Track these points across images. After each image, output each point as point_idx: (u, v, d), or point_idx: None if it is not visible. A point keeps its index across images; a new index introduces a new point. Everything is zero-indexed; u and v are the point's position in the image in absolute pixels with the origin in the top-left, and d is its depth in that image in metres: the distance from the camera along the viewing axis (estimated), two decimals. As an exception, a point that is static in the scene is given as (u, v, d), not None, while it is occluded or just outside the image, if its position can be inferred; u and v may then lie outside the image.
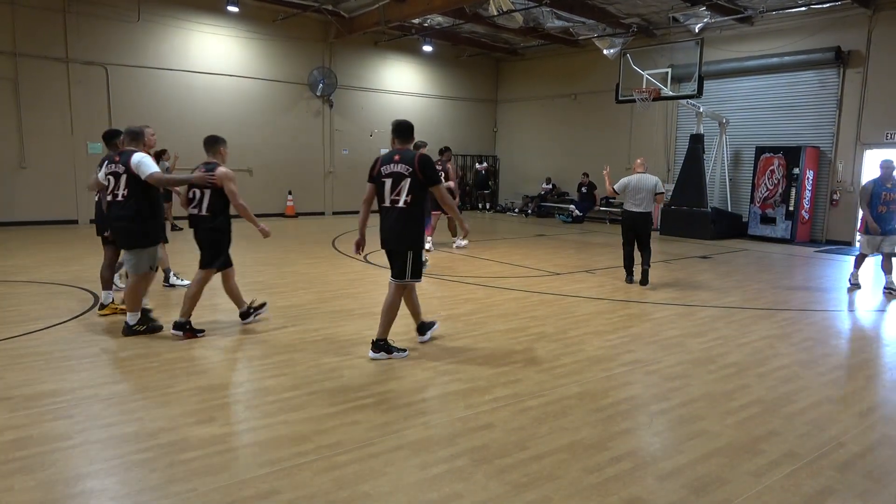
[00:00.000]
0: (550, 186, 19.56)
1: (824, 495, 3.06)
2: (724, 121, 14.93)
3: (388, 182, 5.00)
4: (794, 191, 13.55)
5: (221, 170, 5.50)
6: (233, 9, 14.67)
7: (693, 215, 14.30)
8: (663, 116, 16.73)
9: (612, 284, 8.49)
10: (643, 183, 8.28)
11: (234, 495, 2.92)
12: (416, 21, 16.34)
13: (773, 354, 5.41)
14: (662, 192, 8.41)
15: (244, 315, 6.02)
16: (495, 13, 14.75)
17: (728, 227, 14.41)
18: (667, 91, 14.06)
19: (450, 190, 9.52)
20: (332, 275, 8.75)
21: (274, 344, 5.39)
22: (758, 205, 14.17)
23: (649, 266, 8.43)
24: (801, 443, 3.64)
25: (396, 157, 5.02)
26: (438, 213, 10.51)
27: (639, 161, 8.67)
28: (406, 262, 5.06)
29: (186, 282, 7.11)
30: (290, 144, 17.04)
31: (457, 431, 3.68)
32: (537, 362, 5.03)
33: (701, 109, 14.42)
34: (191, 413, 3.84)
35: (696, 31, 14.99)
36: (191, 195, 5.57)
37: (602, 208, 17.53)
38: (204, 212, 5.54)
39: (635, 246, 8.50)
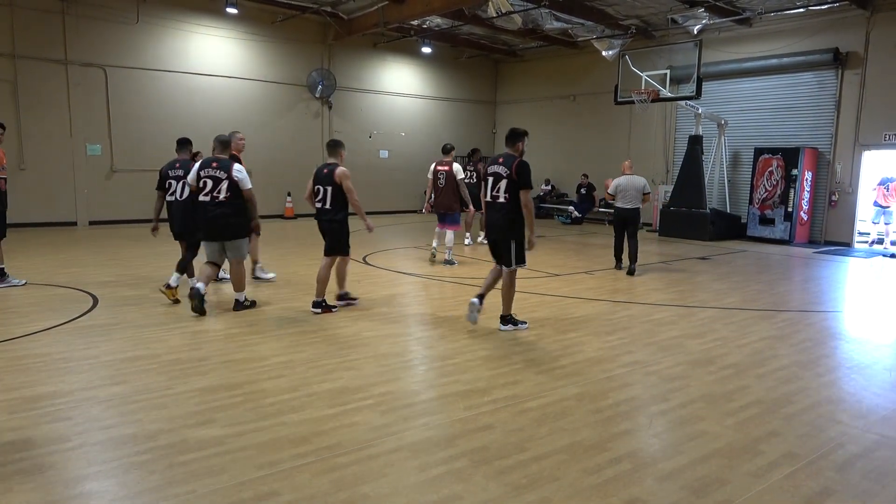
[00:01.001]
0: (549, 188, 19.57)
1: (824, 496, 3.06)
2: (723, 122, 14.95)
3: (491, 180, 5.88)
4: (792, 192, 13.55)
5: (340, 170, 6.45)
6: (232, 10, 14.67)
7: (692, 216, 14.31)
8: (662, 118, 16.74)
9: (612, 286, 8.49)
10: (632, 183, 9.36)
11: (234, 497, 2.92)
12: (414, 23, 16.36)
13: (772, 355, 5.41)
14: (649, 193, 9.49)
15: (340, 297, 6.88)
16: (494, 15, 14.77)
17: (727, 228, 14.42)
18: (665, 92, 14.07)
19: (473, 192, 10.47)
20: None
21: (272, 346, 5.38)
22: (756, 206, 14.18)
23: (637, 257, 9.37)
24: (801, 443, 3.64)
25: (500, 160, 5.85)
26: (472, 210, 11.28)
27: (626, 163, 9.66)
28: (511, 251, 5.84)
29: (271, 274, 8.28)
30: (289, 146, 17.05)
31: (456, 433, 3.68)
32: (537, 363, 5.03)
33: (700, 111, 14.44)
34: (190, 415, 3.84)
35: (695, 32, 15.01)
36: (316, 190, 6.51)
37: (601, 209, 17.54)
38: (327, 206, 6.48)
39: (625, 238, 9.52)
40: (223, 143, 6.64)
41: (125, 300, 6.92)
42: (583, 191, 18.01)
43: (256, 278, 8.20)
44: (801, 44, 13.92)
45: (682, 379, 4.74)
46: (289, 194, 16.98)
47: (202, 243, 6.64)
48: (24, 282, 7.61)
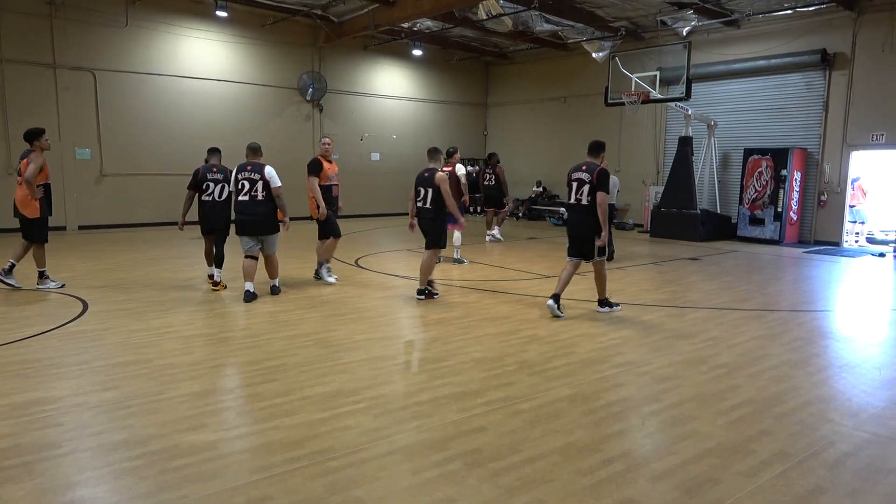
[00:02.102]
0: (541, 189, 19.61)
1: (815, 494, 3.08)
2: (713, 123, 15.03)
3: (575, 185, 6.73)
4: (782, 192, 13.65)
5: (439, 174, 7.26)
6: (221, 13, 14.62)
7: (682, 217, 14.38)
8: (652, 119, 16.82)
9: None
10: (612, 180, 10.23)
11: (226, 502, 2.90)
12: (405, 25, 16.37)
13: (763, 355, 5.44)
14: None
15: (420, 292, 7.49)
16: (484, 17, 14.81)
17: (717, 228, 14.50)
18: (655, 94, 14.14)
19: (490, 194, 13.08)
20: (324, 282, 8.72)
21: (265, 349, 5.37)
22: (746, 206, 14.26)
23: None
24: (792, 442, 3.66)
25: (583, 168, 6.69)
26: (493, 209, 13.30)
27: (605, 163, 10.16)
28: (593, 245, 6.67)
29: (333, 278, 8.54)
30: (280, 149, 16.93)
31: (449, 435, 3.68)
32: (529, 365, 5.04)
33: (689, 112, 14.52)
34: (182, 420, 3.82)
35: (684, 34, 15.10)
36: (417, 192, 7.37)
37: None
38: (427, 205, 7.31)
39: None
40: (254, 150, 7.64)
41: (115, 305, 6.89)
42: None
43: (319, 278, 8.55)
44: (789, 45, 14.03)
45: (674, 379, 4.76)
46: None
47: (240, 238, 7.39)
48: (62, 284, 7.90)
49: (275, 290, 7.66)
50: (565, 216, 17.38)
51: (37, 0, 13.17)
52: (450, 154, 10.23)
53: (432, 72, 20.11)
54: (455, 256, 10.13)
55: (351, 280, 8.73)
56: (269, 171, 7.41)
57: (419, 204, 7.40)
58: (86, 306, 6.76)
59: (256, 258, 7.44)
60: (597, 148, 6.82)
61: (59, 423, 3.74)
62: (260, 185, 7.31)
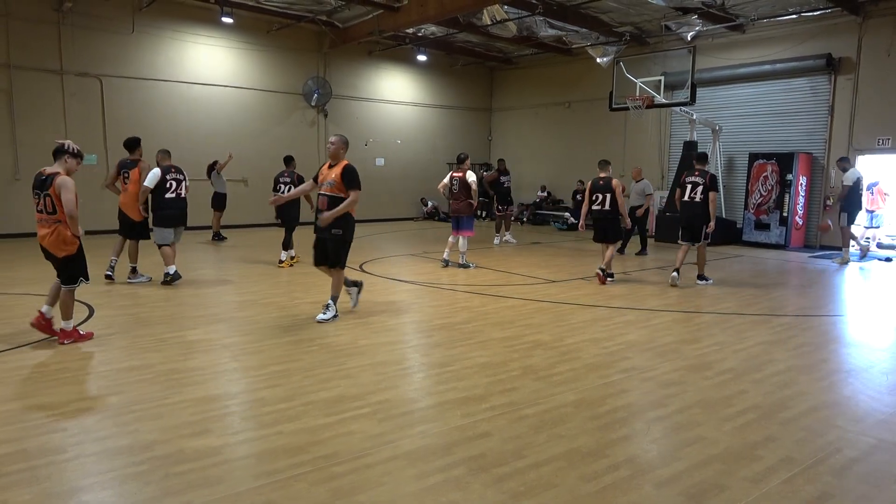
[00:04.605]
0: (545, 194, 19.61)
1: (822, 500, 3.06)
2: (718, 128, 15.01)
3: (689, 187, 8.97)
4: (787, 197, 13.60)
5: (615, 181, 9.01)
6: (227, 20, 14.69)
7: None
8: (657, 124, 16.81)
9: (608, 291, 8.50)
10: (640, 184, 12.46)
11: (230, 507, 2.90)
12: (409, 31, 16.42)
13: (768, 360, 5.42)
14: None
15: (607, 274, 9.11)
16: (489, 22, 14.85)
17: (722, 233, 14.40)
18: (660, 98, 14.14)
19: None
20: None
21: (269, 354, 5.37)
22: (752, 211, 14.22)
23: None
24: (799, 448, 3.64)
25: (696, 173, 9.03)
26: (504, 211, 13.95)
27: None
28: (703, 232, 8.86)
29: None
30: (285, 154, 17.01)
31: (453, 440, 3.66)
32: (534, 370, 5.02)
33: (694, 116, 14.49)
34: (185, 425, 3.82)
35: (689, 39, 15.10)
36: (595, 197, 9.07)
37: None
38: (606, 207, 9.01)
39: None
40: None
41: (121, 310, 6.91)
42: (579, 197, 18.01)
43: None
44: (794, 49, 14.00)
45: (680, 384, 4.74)
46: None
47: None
48: (149, 277, 8.58)
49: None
50: (570, 221, 17.59)
51: (44, 7, 13.27)
52: (461, 160, 10.31)
53: (437, 77, 20.16)
54: (461, 261, 10.15)
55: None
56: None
57: (597, 206, 9.08)
58: (91, 311, 6.78)
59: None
60: (705, 158, 9.42)
61: (64, 429, 3.74)
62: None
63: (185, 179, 8.61)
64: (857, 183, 11.45)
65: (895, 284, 9.81)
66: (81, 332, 5.67)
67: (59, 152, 5.53)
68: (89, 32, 13.85)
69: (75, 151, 5.57)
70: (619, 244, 9.44)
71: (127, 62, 14.42)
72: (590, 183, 9.30)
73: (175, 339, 5.80)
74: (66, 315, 5.52)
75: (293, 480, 3.16)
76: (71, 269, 5.47)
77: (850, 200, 11.44)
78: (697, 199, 8.85)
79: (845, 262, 11.61)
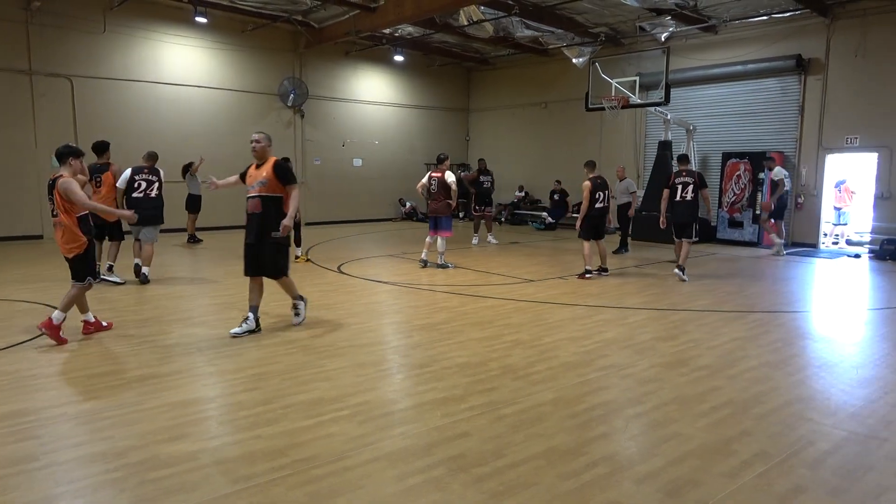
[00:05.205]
0: (523, 194, 19.69)
1: (796, 493, 3.11)
2: (692, 127, 15.21)
3: (680, 186, 9.39)
4: (759, 195, 13.83)
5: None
6: (200, 19, 14.52)
7: (664, 221, 14.48)
8: (632, 123, 16.98)
9: (586, 290, 8.57)
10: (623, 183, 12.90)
11: (208, 513, 2.87)
12: (386, 31, 16.37)
13: (742, 356, 5.50)
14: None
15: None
16: (465, 23, 14.86)
17: (697, 231, 14.62)
18: (635, 99, 14.27)
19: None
20: (304, 286, 8.66)
21: (247, 357, 5.31)
22: (726, 209, 14.44)
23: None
24: (773, 442, 3.70)
25: (684, 174, 9.49)
26: (482, 212, 13.99)
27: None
28: (693, 228, 9.43)
29: None
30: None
31: (433, 441, 3.67)
32: (513, 370, 5.04)
33: (668, 116, 14.67)
34: (161, 430, 3.76)
35: (663, 39, 15.27)
36: (597, 195, 9.34)
37: (574, 215, 17.66)
38: (606, 204, 9.56)
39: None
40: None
41: (94, 315, 6.77)
42: (556, 196, 18.13)
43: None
44: (765, 50, 14.24)
45: (656, 381, 4.79)
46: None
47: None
48: (124, 280, 8.51)
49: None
50: (547, 220, 17.68)
51: (13, 5, 12.98)
52: (441, 160, 10.29)
53: (414, 77, 20.13)
54: (440, 262, 10.15)
55: (333, 287, 8.69)
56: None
57: (599, 205, 9.42)
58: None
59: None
60: (688, 159, 9.97)
61: (36, 436, 3.67)
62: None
63: (158, 180, 8.73)
64: (783, 181, 12.51)
65: (863, 280, 10.04)
66: (104, 323, 6.08)
67: (61, 155, 5.73)
68: (59, 32, 13.58)
69: (76, 151, 5.84)
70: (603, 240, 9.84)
71: (98, 62, 14.17)
72: (590, 183, 9.43)
73: (150, 343, 5.72)
74: (82, 309, 5.88)
75: (271, 484, 3.13)
76: (80, 268, 5.68)
77: (779, 196, 12.58)
78: (689, 198, 9.32)
79: (780, 254, 12.45)
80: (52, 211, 5.63)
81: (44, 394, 4.38)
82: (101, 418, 3.95)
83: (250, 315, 6.05)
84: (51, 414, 4.01)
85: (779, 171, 12.54)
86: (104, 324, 6.08)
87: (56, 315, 5.55)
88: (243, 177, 6.25)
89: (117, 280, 8.48)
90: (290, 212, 5.95)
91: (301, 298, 6.49)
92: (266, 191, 5.93)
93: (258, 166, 6.08)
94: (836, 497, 3.09)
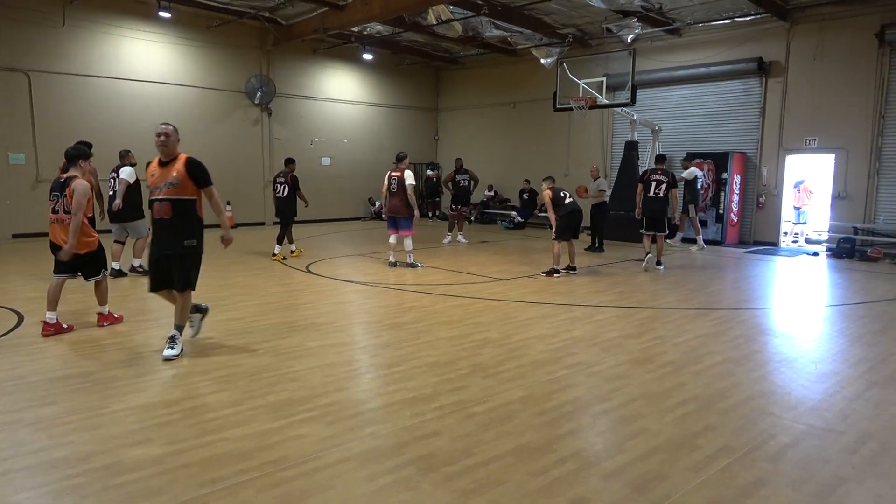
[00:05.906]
0: (492, 193, 19.78)
1: (758, 486, 3.20)
2: (657, 128, 15.45)
3: (654, 183, 10.08)
4: (723, 195, 14.14)
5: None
6: (164, 14, 14.24)
7: (630, 220, 14.66)
8: (599, 124, 17.19)
9: (554, 289, 8.65)
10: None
11: (174, 518, 2.82)
12: (355, 29, 16.29)
13: (706, 352, 5.62)
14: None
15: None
16: (434, 22, 14.87)
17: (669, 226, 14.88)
18: (602, 99, 14.44)
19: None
20: (273, 286, 8.58)
21: (213, 359, 5.23)
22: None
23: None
24: (736, 437, 3.79)
25: (659, 172, 10.17)
26: (458, 211, 13.92)
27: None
28: (665, 223, 10.19)
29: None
30: (227, 153, 16.63)
31: (403, 441, 3.66)
32: (482, 368, 5.07)
33: (635, 117, 14.89)
34: (126, 434, 3.69)
35: (629, 41, 15.49)
36: (563, 195, 9.64)
37: (542, 213, 17.80)
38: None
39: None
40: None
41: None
42: (525, 196, 18.25)
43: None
44: (728, 53, 14.57)
45: (623, 378, 4.87)
46: (228, 203, 16.55)
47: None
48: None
49: None
50: (516, 220, 17.79)
51: (-35, -2, 12.57)
52: (399, 159, 10.23)
53: (383, 76, 20.06)
54: (408, 261, 10.14)
55: (301, 287, 8.62)
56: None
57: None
58: (21, 318, 6.46)
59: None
60: (665, 159, 10.72)
61: (-7, 442, 3.56)
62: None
63: (117, 177, 9.08)
64: (696, 180, 13.61)
65: (821, 278, 10.34)
66: (115, 315, 6.34)
67: (72, 157, 5.93)
68: (16, 25, 13.17)
69: (85, 153, 6.08)
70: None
71: (57, 57, 13.79)
72: (550, 191, 9.71)
73: (114, 345, 5.59)
74: (102, 301, 6.22)
75: (240, 487, 3.10)
76: (94, 263, 6.03)
77: (694, 193, 13.60)
78: (661, 195, 10.02)
79: (701, 248, 13.34)
80: (53, 209, 5.79)
81: (0, 398, 4.25)
82: (62, 423, 3.85)
83: (176, 333, 5.27)
84: (8, 419, 3.89)
85: (690, 172, 13.52)
86: (64, 326, 6.03)
87: (102, 309, 6.19)
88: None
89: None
90: (222, 218, 5.36)
91: (199, 310, 5.73)
92: (177, 193, 5.08)
93: (163, 164, 5.19)
94: (795, 489, 3.18)
